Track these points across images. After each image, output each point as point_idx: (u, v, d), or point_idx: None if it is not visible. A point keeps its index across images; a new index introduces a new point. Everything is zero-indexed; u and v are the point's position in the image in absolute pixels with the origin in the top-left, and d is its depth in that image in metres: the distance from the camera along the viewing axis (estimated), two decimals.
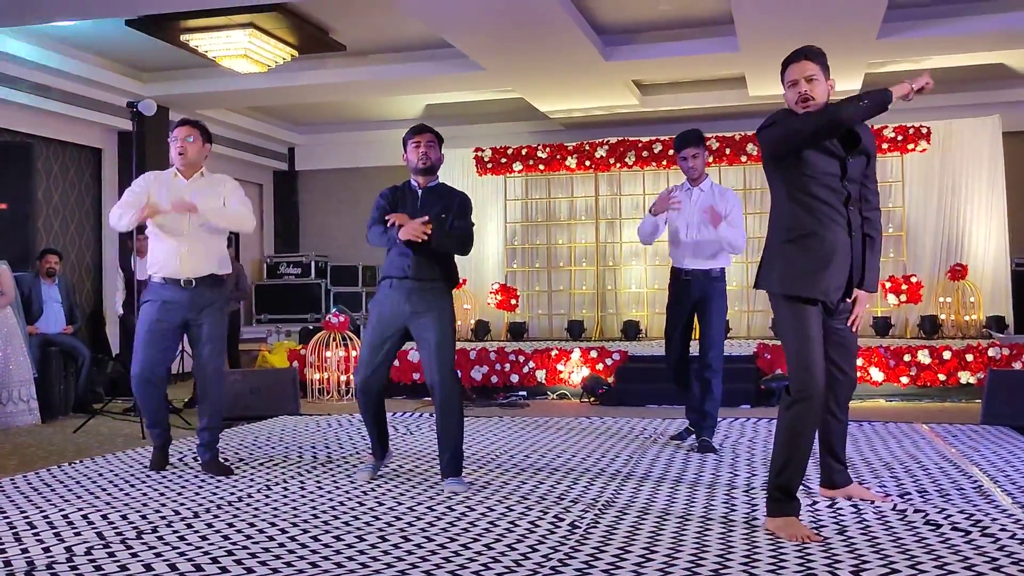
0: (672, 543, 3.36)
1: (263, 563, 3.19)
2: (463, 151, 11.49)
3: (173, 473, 4.92)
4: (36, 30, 8.24)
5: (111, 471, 5.00)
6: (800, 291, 3.48)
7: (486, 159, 11.19)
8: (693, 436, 5.54)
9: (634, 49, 8.88)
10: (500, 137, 11.76)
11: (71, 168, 9.89)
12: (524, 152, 11.17)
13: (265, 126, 12.19)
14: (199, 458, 5.01)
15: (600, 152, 10.93)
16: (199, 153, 5.02)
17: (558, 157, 11.06)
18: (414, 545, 3.39)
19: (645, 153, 10.85)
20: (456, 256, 4.65)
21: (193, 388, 8.46)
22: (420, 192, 4.65)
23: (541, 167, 11.15)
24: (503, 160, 11.17)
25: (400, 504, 4.08)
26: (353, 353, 8.79)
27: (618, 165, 10.96)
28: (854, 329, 3.74)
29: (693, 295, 5.51)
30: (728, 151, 10.67)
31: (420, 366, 8.78)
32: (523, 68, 9.15)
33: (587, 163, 11.00)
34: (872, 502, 3.91)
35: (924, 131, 10.03)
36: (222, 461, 5.02)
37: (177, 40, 8.22)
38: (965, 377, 7.96)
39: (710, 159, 10.76)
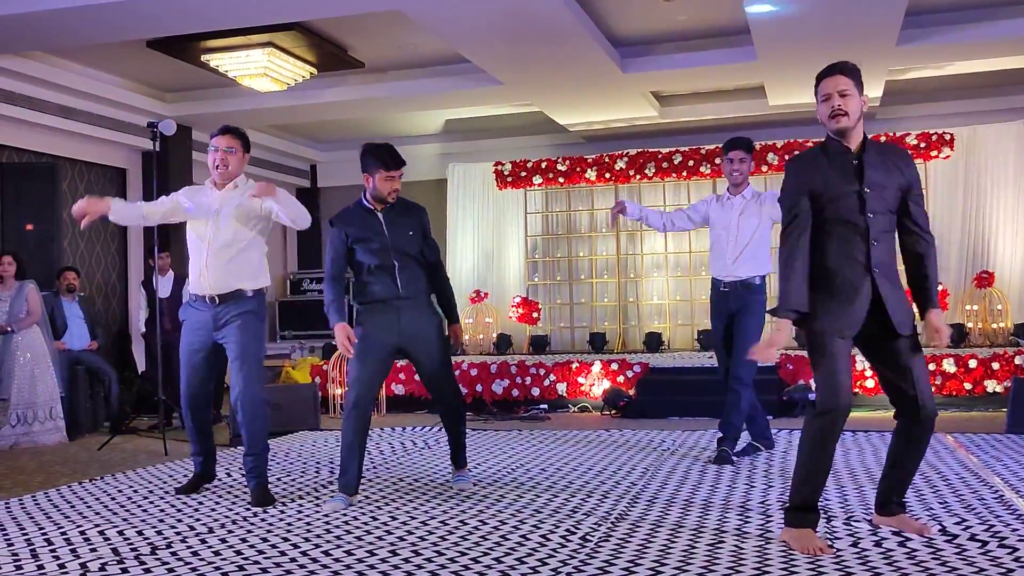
0: (683, 556, 3.34)
1: None
2: (483, 165, 11.53)
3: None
4: (59, 52, 8.39)
5: (131, 487, 5.05)
6: (816, 324, 3.44)
7: (506, 173, 11.23)
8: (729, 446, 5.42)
9: (651, 60, 8.87)
10: (520, 151, 11.79)
11: (96, 188, 10.03)
12: (544, 165, 11.19)
13: (286, 144, 12.30)
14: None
15: (620, 164, 10.93)
16: (239, 164, 4.69)
17: (578, 170, 11.07)
18: (424, 559, 3.39)
19: (665, 164, 10.83)
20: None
21: (215, 405, 8.55)
22: (380, 214, 4.64)
23: (561, 180, 11.17)
24: (523, 174, 11.20)
25: (413, 518, 4.08)
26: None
27: (638, 177, 10.95)
28: (936, 343, 3.50)
29: (730, 306, 5.51)
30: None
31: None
32: (541, 82, 9.17)
33: (607, 175, 11.00)
34: (920, 534, 3.55)
35: (948, 138, 9.94)
36: (267, 489, 4.57)
37: (197, 60, 8.33)
38: (992, 386, 7.84)
39: None
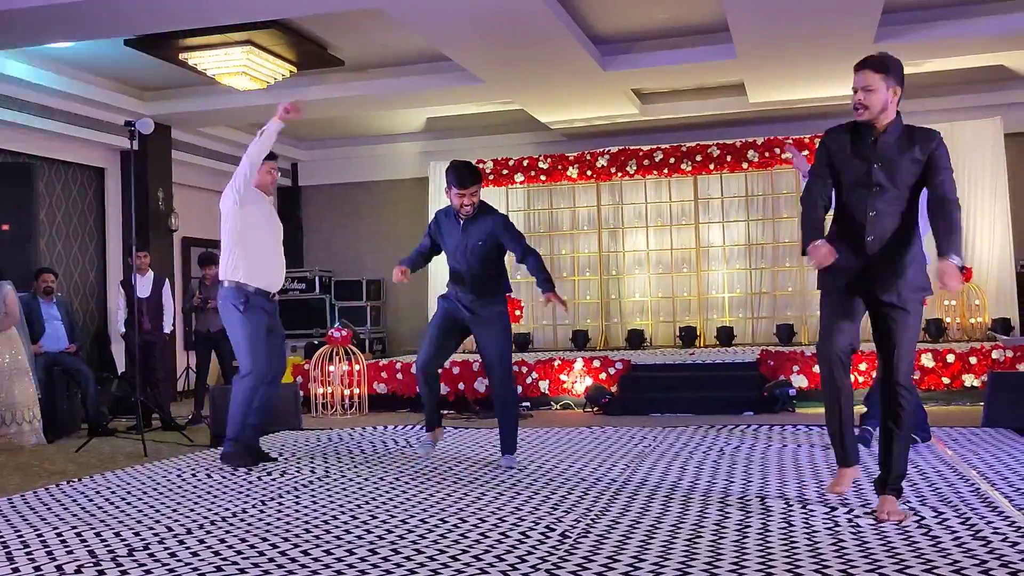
0: (662, 552, 3.35)
1: None
2: None
3: (168, 490, 4.92)
4: (36, 51, 8.32)
5: (109, 489, 5.02)
6: (822, 276, 3.90)
7: (487, 171, 11.22)
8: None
9: (632, 58, 8.90)
10: (501, 149, 11.79)
11: (73, 188, 9.96)
12: (525, 163, 11.20)
13: None
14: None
15: (601, 162, 10.96)
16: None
17: (559, 167, 11.09)
18: (403, 558, 3.39)
19: (646, 162, 10.87)
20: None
21: (195, 405, 8.51)
22: (462, 221, 5.31)
23: (543, 178, 11.18)
24: (504, 172, 11.20)
25: (392, 517, 4.07)
26: (356, 367, 8.80)
27: (619, 174, 10.98)
28: (943, 288, 3.62)
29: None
30: (729, 158, 10.67)
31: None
32: (522, 80, 9.18)
33: (588, 173, 11.02)
34: (889, 519, 3.68)
35: None
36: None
37: (176, 59, 8.29)
38: (969, 380, 7.90)
39: (711, 167, 10.78)
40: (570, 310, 11.24)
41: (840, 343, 3.83)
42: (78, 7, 6.67)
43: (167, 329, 8.53)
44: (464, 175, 5.19)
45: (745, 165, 10.64)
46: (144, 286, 8.27)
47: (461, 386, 8.76)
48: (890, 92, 3.70)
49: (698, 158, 10.76)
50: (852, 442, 3.93)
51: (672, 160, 10.81)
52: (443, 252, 5.48)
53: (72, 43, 7.98)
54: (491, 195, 11.48)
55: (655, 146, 10.91)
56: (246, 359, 5.48)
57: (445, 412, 8.42)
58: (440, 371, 5.99)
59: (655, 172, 10.91)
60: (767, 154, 10.56)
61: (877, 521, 3.66)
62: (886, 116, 3.73)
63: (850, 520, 3.71)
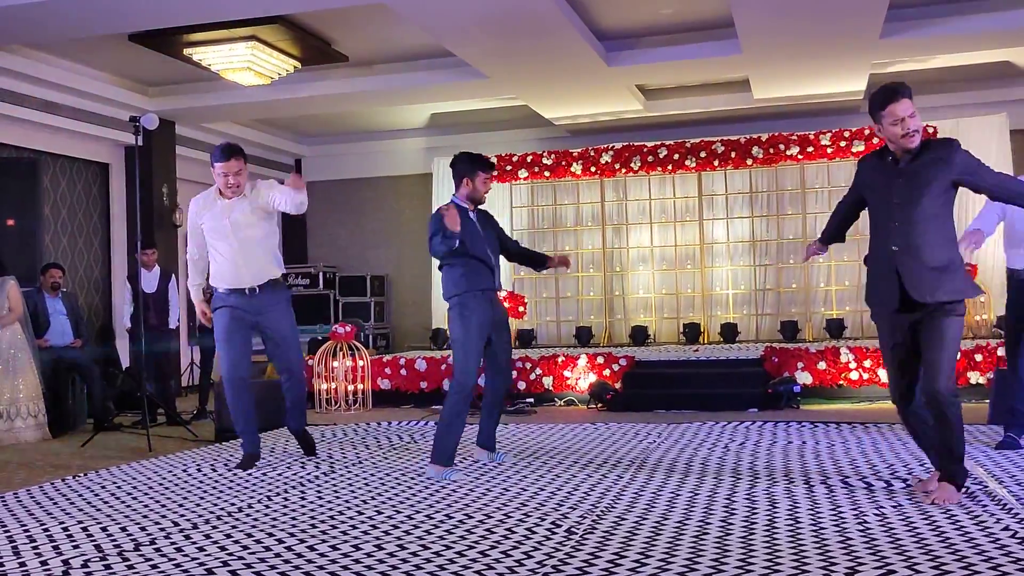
0: (668, 549, 3.34)
1: (257, 574, 3.19)
2: None
3: (175, 485, 4.93)
4: (41, 46, 8.32)
5: (114, 484, 5.02)
6: (866, 301, 4.16)
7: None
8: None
9: (637, 54, 8.88)
10: (505, 144, 11.78)
11: (78, 183, 9.97)
12: (529, 159, 11.18)
13: (271, 138, 12.25)
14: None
15: (605, 158, 10.94)
16: (245, 178, 5.26)
17: (563, 163, 11.08)
18: (410, 553, 3.38)
19: (650, 158, 10.85)
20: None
21: (199, 401, 8.51)
22: (472, 214, 5.21)
23: (547, 174, 11.17)
24: (508, 167, 11.19)
25: (398, 512, 4.07)
26: (360, 363, 8.80)
27: (623, 170, 10.96)
28: None
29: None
30: (734, 154, 10.65)
31: (426, 375, 8.81)
32: (526, 76, 9.16)
33: (592, 169, 11.01)
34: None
35: (931, 130, 9.98)
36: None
37: (180, 54, 8.28)
38: (975, 377, 7.88)
39: (715, 163, 10.77)
40: (574, 306, 11.24)
41: (896, 374, 4.08)
42: (83, 3, 6.67)
43: (172, 324, 8.54)
44: (489, 159, 5.43)
45: (749, 161, 10.61)
46: (150, 281, 8.28)
47: None
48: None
49: (702, 154, 10.74)
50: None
51: (676, 156, 10.79)
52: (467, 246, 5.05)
53: (77, 38, 7.96)
54: (495, 191, 11.46)
55: (659, 142, 10.89)
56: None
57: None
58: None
59: (659, 168, 10.89)
60: (771, 150, 10.54)
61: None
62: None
63: (856, 517, 3.71)
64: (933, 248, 3.87)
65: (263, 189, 5.29)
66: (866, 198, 4.12)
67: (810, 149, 10.39)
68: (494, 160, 5.44)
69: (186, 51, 8.21)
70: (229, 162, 5.19)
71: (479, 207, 5.30)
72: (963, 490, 3.95)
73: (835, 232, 4.49)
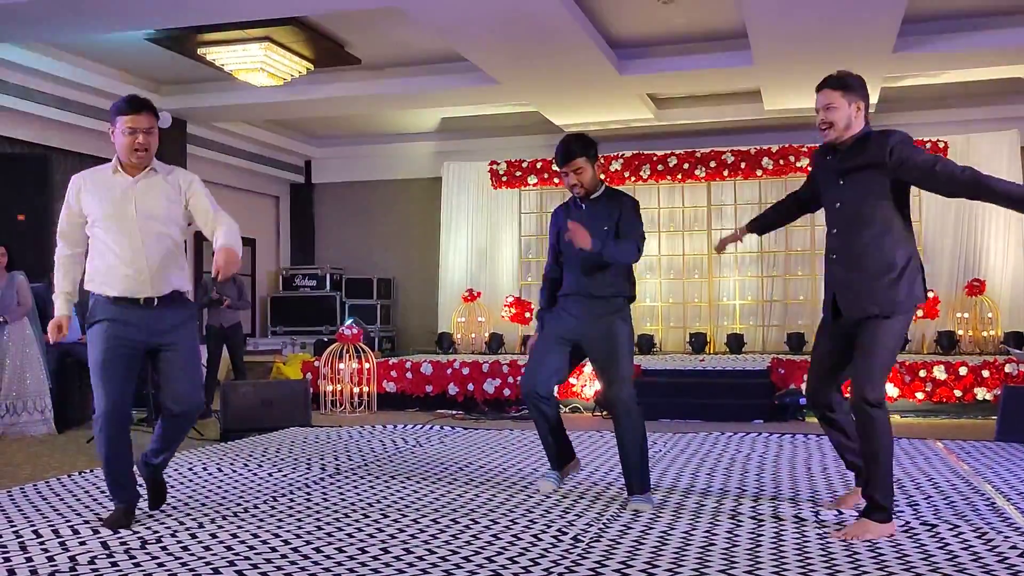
0: (674, 558, 3.34)
1: (263, 574, 3.19)
2: (478, 164, 11.54)
3: (180, 484, 4.93)
4: (54, 42, 8.35)
5: None
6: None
7: (501, 172, 11.23)
8: None
9: (648, 63, 8.88)
10: (515, 150, 11.79)
11: None
12: (539, 165, 11.20)
13: (282, 139, 12.28)
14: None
15: (615, 166, 10.94)
16: (155, 146, 3.94)
17: None
18: (415, 557, 3.38)
19: (660, 167, 10.86)
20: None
21: (204, 399, 8.52)
22: (584, 206, 4.42)
23: (556, 180, 11.17)
24: (518, 173, 11.20)
25: (403, 516, 4.07)
26: (366, 365, 8.81)
27: (633, 179, 10.96)
28: None
29: None
30: (744, 165, 10.65)
31: (431, 378, 8.82)
32: (538, 82, 9.17)
33: (602, 176, 11.00)
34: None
35: (941, 145, 9.99)
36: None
37: (194, 54, 8.31)
38: (981, 393, 7.87)
39: (725, 173, 10.76)
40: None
41: (816, 378, 3.94)
42: (101, 2, 6.69)
43: None
44: (560, 150, 4.37)
45: (759, 172, 10.61)
46: None
47: (470, 387, 8.76)
48: (853, 108, 3.70)
49: (712, 164, 10.74)
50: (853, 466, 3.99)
51: (686, 166, 10.79)
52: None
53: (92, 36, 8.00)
54: (504, 196, 11.50)
55: (669, 151, 10.90)
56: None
57: (454, 412, 8.45)
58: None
59: (669, 177, 10.90)
60: (781, 161, 10.54)
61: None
62: (850, 132, 3.73)
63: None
64: (874, 255, 3.61)
65: (198, 189, 4.00)
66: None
67: None
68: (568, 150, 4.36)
69: (200, 51, 8.24)
70: (139, 115, 3.83)
71: (601, 194, 4.42)
72: (889, 522, 3.59)
73: (766, 222, 4.26)
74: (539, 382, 4.37)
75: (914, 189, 3.78)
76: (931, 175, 3.58)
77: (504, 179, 11.23)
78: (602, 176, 5.01)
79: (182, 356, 3.95)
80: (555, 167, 4.54)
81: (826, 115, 3.71)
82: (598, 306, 4.31)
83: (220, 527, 3.89)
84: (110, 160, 3.97)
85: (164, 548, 3.55)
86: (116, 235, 3.85)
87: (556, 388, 4.54)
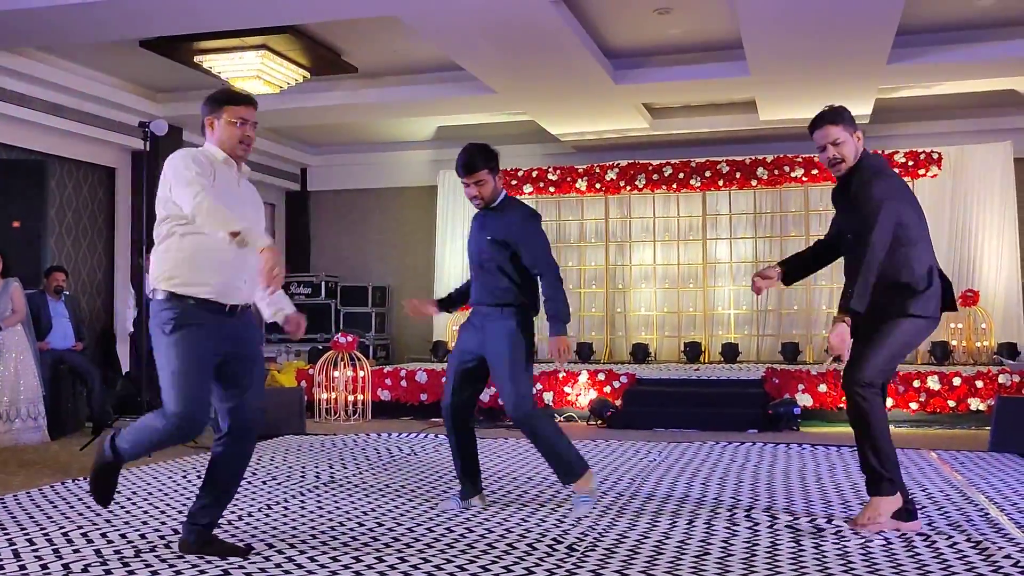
0: (669, 567, 3.34)
1: None
2: None
3: (174, 491, 4.92)
4: (51, 50, 8.35)
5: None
6: None
7: None
8: None
9: (644, 73, 8.91)
10: (511, 159, 11.79)
11: (84, 187, 9.99)
12: (535, 174, 11.21)
13: (277, 147, 12.28)
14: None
15: (610, 175, 10.97)
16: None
17: (568, 179, 11.10)
18: (410, 566, 3.38)
19: (655, 176, 10.88)
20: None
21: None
22: (484, 216, 4.50)
23: (552, 189, 11.19)
24: (514, 182, 11.21)
25: (399, 525, 4.07)
26: (361, 373, 8.80)
27: (628, 188, 10.98)
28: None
29: None
30: (739, 175, 10.68)
31: (426, 387, 8.81)
32: (534, 91, 9.20)
33: (597, 186, 11.03)
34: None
35: (935, 156, 10.03)
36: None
37: (191, 61, 8.32)
38: (975, 404, 7.89)
39: (720, 183, 10.79)
40: (575, 322, 11.24)
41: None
42: (95, 8, 6.70)
43: None
44: (463, 161, 4.41)
45: (754, 182, 10.64)
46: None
47: None
48: (855, 138, 3.82)
49: (707, 174, 10.77)
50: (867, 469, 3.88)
51: (681, 175, 10.82)
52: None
53: (87, 43, 8.00)
54: None
55: (665, 161, 10.92)
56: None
57: None
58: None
59: (664, 187, 10.92)
60: (776, 172, 10.58)
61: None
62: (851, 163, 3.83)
63: (860, 541, 3.70)
64: (885, 271, 3.69)
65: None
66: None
67: (814, 172, 10.42)
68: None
69: (196, 58, 8.24)
70: (250, 107, 3.62)
71: (499, 203, 4.50)
72: (894, 495, 3.76)
73: (800, 265, 4.21)
74: (449, 397, 4.39)
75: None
76: (863, 230, 3.67)
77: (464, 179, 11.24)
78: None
79: (260, 367, 3.71)
80: (458, 177, 4.44)
81: (837, 151, 3.79)
82: (493, 316, 4.33)
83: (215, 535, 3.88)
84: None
85: (158, 556, 3.54)
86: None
87: (471, 403, 4.47)
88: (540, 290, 4.44)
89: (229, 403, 3.58)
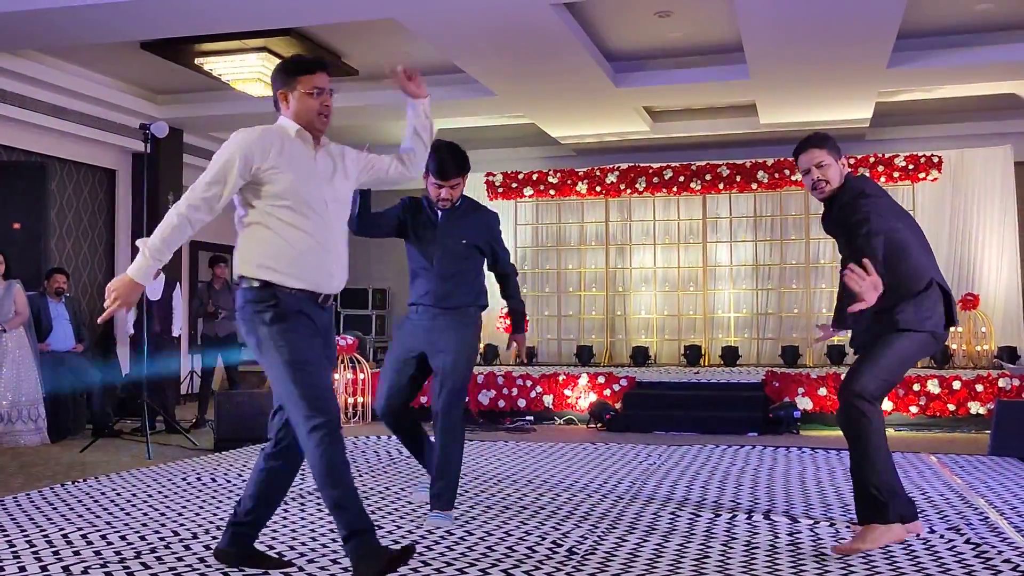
0: (669, 570, 3.34)
1: None
2: (474, 176, 11.45)
3: (174, 493, 4.92)
4: (52, 51, 8.36)
5: (114, 491, 5.01)
6: None
7: (497, 184, 11.24)
8: None
9: (644, 76, 8.92)
10: (511, 162, 11.81)
11: (85, 189, 9.99)
12: (535, 177, 11.21)
13: None
14: None
15: (611, 178, 10.97)
16: None
17: (569, 182, 11.10)
18: (410, 569, 3.38)
19: (656, 179, 10.87)
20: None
21: (199, 409, 8.49)
22: (440, 214, 4.37)
23: (552, 192, 11.20)
24: (514, 185, 11.22)
25: (399, 528, 4.07)
26: (361, 376, 8.80)
27: (628, 191, 10.98)
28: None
29: None
30: (739, 178, 10.69)
31: (426, 389, 8.82)
32: (534, 94, 9.20)
33: (598, 188, 11.04)
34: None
35: (936, 160, 10.03)
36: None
37: (192, 63, 8.33)
38: (975, 407, 7.89)
39: (720, 186, 10.79)
40: (575, 325, 11.24)
41: None
42: (96, 10, 6.70)
43: (176, 332, 8.55)
44: (446, 162, 4.30)
45: (754, 186, 10.64)
46: (155, 288, 8.28)
47: (465, 398, 8.75)
48: (840, 164, 3.81)
49: (707, 177, 10.77)
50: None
51: (681, 178, 10.82)
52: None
53: (88, 45, 8.00)
54: (500, 208, 11.49)
55: (665, 164, 10.92)
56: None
57: None
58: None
59: (664, 190, 10.92)
60: (776, 175, 10.58)
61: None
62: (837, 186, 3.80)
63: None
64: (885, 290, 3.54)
65: (361, 155, 3.49)
66: None
67: None
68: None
69: (197, 60, 8.25)
70: (324, 73, 3.28)
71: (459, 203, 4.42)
72: (891, 523, 3.58)
73: (842, 307, 4.00)
74: (388, 400, 4.35)
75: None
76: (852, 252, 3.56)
77: (500, 190, 11.25)
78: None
79: (332, 362, 3.45)
80: (434, 178, 4.29)
81: (822, 173, 3.77)
82: (455, 317, 4.28)
83: (215, 538, 3.88)
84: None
85: (159, 559, 3.54)
86: (312, 218, 3.18)
87: (410, 402, 4.45)
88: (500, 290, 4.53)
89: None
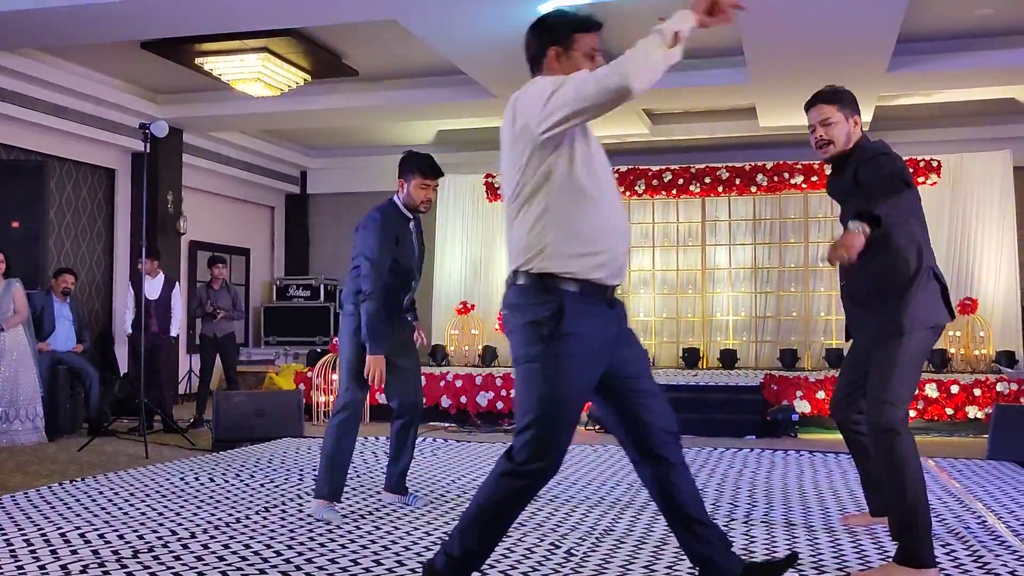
0: (667, 572, 3.34)
1: None
2: (474, 177, 11.54)
3: (172, 493, 4.92)
4: (51, 50, 8.36)
5: (111, 490, 5.01)
6: None
7: (496, 186, 11.24)
8: None
9: None
10: None
11: (84, 188, 9.99)
12: None
13: (277, 149, 12.29)
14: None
15: None
16: None
17: None
18: (408, 570, 3.38)
19: (655, 182, 10.87)
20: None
21: (197, 409, 8.48)
22: (412, 223, 4.55)
23: None
24: None
25: (396, 528, 4.07)
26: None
27: (628, 194, 10.98)
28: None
29: None
30: (738, 181, 10.69)
31: (425, 390, 8.82)
32: None
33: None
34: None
35: (935, 164, 10.03)
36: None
37: (192, 63, 8.32)
38: (973, 412, 7.89)
39: (720, 189, 10.80)
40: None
41: (837, 394, 3.79)
42: (96, 9, 6.70)
43: (174, 332, 8.54)
44: (433, 164, 4.57)
45: (754, 188, 10.65)
46: (154, 288, 8.28)
47: (464, 399, 8.75)
48: (851, 123, 3.51)
49: (707, 180, 10.77)
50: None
51: (681, 181, 10.82)
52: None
53: (88, 44, 8.00)
54: (499, 210, 11.49)
55: (664, 167, 10.92)
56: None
57: (447, 425, 8.45)
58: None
59: (663, 192, 10.92)
60: (776, 178, 10.58)
61: None
62: (847, 148, 3.51)
63: (855, 547, 3.70)
64: (861, 282, 3.42)
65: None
66: None
67: (814, 179, 10.42)
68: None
69: (197, 60, 8.25)
70: (597, 34, 3.00)
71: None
72: (924, 567, 3.16)
73: None
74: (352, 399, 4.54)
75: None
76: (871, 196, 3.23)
77: (499, 192, 11.25)
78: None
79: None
80: (424, 179, 4.49)
81: (825, 132, 3.48)
82: (409, 324, 4.67)
83: (212, 537, 3.88)
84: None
85: (156, 558, 3.54)
86: (607, 194, 2.77)
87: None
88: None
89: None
